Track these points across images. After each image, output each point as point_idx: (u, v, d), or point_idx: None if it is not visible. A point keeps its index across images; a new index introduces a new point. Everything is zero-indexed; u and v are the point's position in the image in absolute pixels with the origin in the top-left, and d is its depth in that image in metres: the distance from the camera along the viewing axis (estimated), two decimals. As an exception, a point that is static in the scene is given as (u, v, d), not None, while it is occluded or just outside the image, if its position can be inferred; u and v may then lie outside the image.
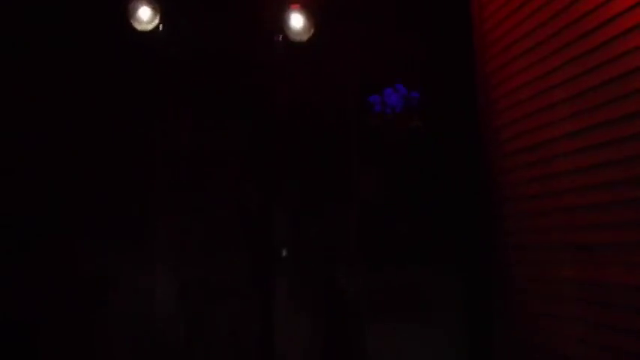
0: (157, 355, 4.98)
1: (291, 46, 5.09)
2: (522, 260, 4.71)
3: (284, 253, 5.38)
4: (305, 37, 5.00)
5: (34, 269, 4.92)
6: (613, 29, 3.59)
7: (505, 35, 4.87)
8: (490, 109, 5.15)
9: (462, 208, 5.34)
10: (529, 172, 4.58)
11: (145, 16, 4.88)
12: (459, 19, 5.44)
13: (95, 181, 5.09)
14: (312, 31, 5.00)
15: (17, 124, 5.00)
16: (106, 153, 5.06)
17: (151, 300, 5.04)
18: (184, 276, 5.18)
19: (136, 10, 4.88)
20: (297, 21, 4.99)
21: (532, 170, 4.53)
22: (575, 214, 4.00)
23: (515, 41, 4.73)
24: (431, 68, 5.58)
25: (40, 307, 4.93)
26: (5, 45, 4.93)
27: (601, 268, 3.72)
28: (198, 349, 5.11)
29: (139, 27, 4.91)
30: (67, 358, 4.91)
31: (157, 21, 4.88)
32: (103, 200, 5.17)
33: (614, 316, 3.62)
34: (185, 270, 5.19)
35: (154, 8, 4.84)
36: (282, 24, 5.02)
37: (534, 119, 4.50)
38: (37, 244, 4.95)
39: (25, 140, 5.06)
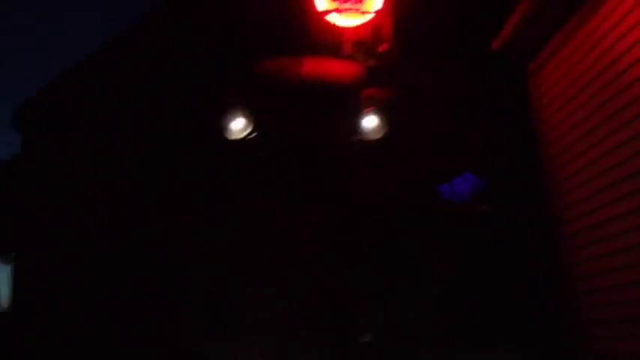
0: None
1: (366, 144, 5.65)
2: (590, 336, 4.90)
3: (368, 337, 5.75)
4: (379, 136, 5.56)
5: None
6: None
7: (562, 122, 5.27)
8: (555, 191, 5.50)
9: (532, 288, 5.60)
10: (594, 249, 4.87)
11: (238, 127, 5.55)
12: (520, 108, 5.87)
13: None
14: (385, 129, 5.56)
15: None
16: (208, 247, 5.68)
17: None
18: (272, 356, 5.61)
19: (228, 122, 5.56)
20: (370, 122, 5.58)
21: (596, 247, 4.82)
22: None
23: (571, 127, 5.13)
24: (496, 156, 6.02)
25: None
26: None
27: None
28: None
29: (231, 137, 5.58)
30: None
31: (249, 129, 5.54)
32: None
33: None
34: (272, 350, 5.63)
35: (247, 119, 5.52)
36: (358, 126, 5.61)
37: (596, 199, 4.83)
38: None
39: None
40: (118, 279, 5.87)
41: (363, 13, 5.39)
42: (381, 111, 5.57)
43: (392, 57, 5.73)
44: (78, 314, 5.76)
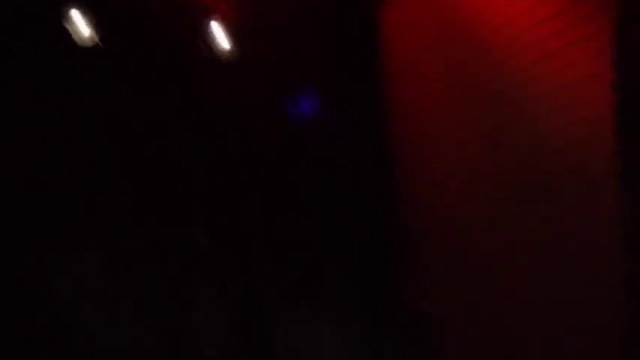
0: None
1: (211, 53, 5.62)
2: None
3: (202, 241, 5.95)
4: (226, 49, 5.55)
5: None
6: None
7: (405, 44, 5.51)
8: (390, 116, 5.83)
9: (362, 204, 6.00)
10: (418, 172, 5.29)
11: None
12: (363, 26, 6.04)
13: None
14: (233, 42, 5.55)
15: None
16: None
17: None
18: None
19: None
20: (218, 31, 5.55)
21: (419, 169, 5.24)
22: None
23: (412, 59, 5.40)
24: (340, 77, 6.20)
25: None
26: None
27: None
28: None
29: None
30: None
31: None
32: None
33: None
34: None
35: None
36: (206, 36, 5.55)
37: (424, 126, 5.20)
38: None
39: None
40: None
41: None
42: (228, 23, 5.54)
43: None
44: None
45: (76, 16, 5.33)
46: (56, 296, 5.56)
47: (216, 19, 5.60)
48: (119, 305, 5.68)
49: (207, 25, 5.62)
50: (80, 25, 5.35)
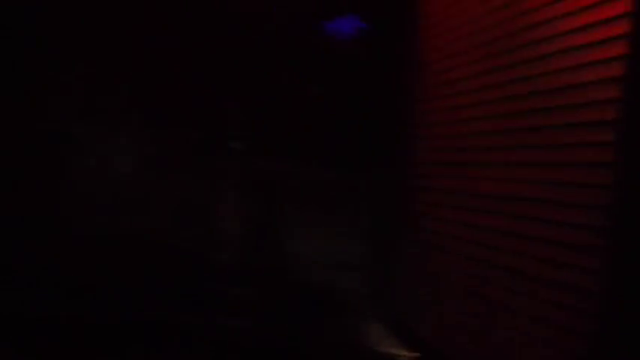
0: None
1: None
2: (428, 174, 5.78)
3: (236, 145, 6.40)
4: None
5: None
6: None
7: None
8: (422, 48, 6.08)
9: (381, 126, 6.36)
10: (439, 104, 5.59)
11: None
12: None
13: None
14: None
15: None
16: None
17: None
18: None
19: None
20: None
21: (441, 101, 5.53)
22: (467, 140, 5.04)
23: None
24: (381, 5, 6.44)
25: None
26: None
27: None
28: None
29: None
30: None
31: None
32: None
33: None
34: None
35: None
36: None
37: (448, 61, 5.45)
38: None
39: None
40: None
41: None
42: None
43: None
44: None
45: None
46: (93, 180, 6.12)
47: None
48: (150, 195, 6.22)
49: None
50: None
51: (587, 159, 3.47)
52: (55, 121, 6.08)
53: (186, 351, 4.90)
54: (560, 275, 3.59)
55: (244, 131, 6.39)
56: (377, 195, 6.38)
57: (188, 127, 6.31)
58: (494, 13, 4.75)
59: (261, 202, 6.40)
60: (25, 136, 6.01)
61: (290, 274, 6.31)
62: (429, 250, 5.47)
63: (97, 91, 6.17)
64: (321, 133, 6.38)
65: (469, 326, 4.65)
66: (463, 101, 5.13)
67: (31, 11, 5.92)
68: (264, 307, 5.98)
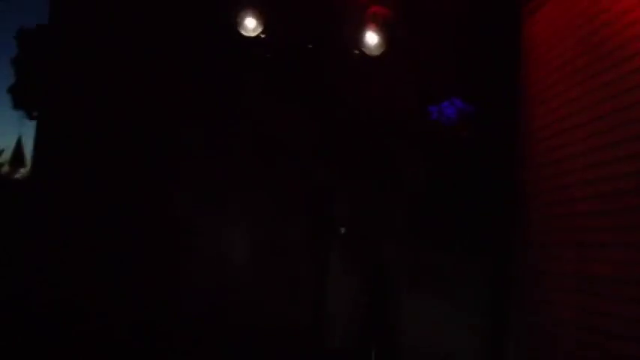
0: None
1: (364, 58, 6.11)
2: (537, 256, 5.58)
3: (342, 230, 6.49)
4: (377, 53, 6.01)
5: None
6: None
7: (550, 59, 5.67)
8: (528, 127, 6.01)
9: (495, 207, 6.24)
10: (549, 183, 5.44)
11: (251, 25, 6.01)
12: (512, 45, 6.26)
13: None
14: (384, 48, 6.00)
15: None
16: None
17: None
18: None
19: (242, 19, 6.02)
20: (371, 39, 6.01)
21: (551, 180, 5.39)
22: (580, 219, 4.85)
23: (557, 67, 5.53)
24: (484, 87, 6.47)
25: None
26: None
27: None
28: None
29: (246, 33, 6.05)
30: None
31: (259, 29, 6.00)
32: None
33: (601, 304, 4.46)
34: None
35: (257, 18, 5.97)
36: (360, 41, 6.04)
37: (562, 137, 5.34)
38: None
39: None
40: (136, 153, 6.54)
41: None
42: (382, 29, 5.98)
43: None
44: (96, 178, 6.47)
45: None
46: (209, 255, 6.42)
47: (369, 20, 6.04)
48: (263, 281, 6.41)
49: (361, 25, 6.07)
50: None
51: None
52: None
53: None
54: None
55: (352, 215, 6.50)
56: (495, 280, 6.20)
57: (300, 214, 6.52)
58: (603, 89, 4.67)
59: (375, 286, 6.42)
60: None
61: (404, 358, 6.21)
62: (546, 337, 5.21)
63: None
64: (426, 215, 6.37)
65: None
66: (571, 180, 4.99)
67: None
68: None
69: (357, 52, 6.06)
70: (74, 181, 6.44)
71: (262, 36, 6.04)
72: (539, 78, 5.88)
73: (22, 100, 7.73)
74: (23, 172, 11.57)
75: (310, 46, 6.21)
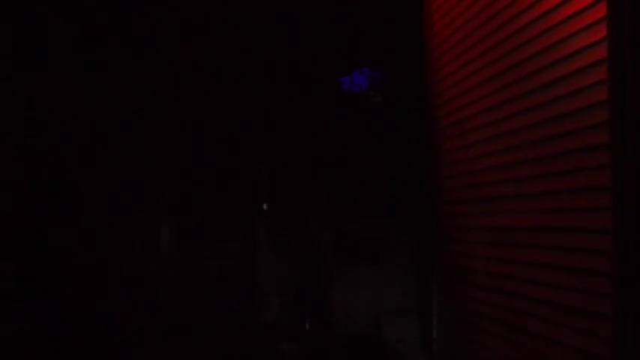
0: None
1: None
2: (452, 213, 5.80)
3: (265, 206, 6.56)
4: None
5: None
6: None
7: (449, 29, 5.83)
8: (435, 88, 6.18)
9: (410, 171, 6.42)
10: (456, 155, 5.64)
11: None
12: (415, 12, 6.40)
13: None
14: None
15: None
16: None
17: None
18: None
19: None
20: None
21: (458, 154, 5.59)
22: (485, 174, 5.06)
23: (456, 39, 5.69)
24: (391, 53, 6.61)
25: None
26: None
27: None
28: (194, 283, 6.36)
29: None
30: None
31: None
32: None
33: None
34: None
35: None
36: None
37: (462, 98, 5.53)
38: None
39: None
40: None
41: None
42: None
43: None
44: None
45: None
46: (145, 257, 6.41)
47: None
48: (193, 266, 6.44)
49: None
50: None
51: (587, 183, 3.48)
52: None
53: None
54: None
55: (273, 192, 6.58)
56: (416, 240, 6.41)
57: (222, 196, 6.55)
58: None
59: (303, 259, 6.53)
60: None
61: (338, 326, 6.36)
62: (467, 287, 5.45)
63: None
64: (346, 184, 6.50)
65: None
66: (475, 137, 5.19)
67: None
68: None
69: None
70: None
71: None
72: (440, 42, 6.04)
73: None
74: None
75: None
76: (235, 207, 6.50)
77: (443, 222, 5.96)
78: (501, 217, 4.75)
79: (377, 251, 6.36)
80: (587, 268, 3.51)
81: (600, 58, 3.39)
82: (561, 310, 3.87)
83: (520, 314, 4.44)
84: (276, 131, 6.52)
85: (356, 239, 6.42)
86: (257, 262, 6.48)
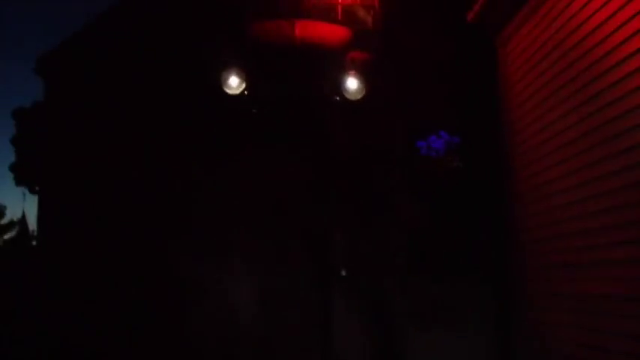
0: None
1: (347, 102, 6.27)
2: (535, 278, 5.63)
3: (343, 272, 6.58)
4: (358, 97, 6.17)
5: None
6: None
7: (525, 89, 5.81)
8: (514, 150, 6.11)
9: (491, 234, 6.32)
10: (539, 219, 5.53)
11: (234, 83, 6.20)
12: (490, 76, 6.42)
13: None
14: (365, 91, 6.15)
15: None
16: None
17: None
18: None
19: (226, 78, 6.21)
20: (352, 84, 6.17)
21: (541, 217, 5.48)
22: (570, 240, 4.92)
23: (530, 95, 5.67)
24: (468, 118, 6.63)
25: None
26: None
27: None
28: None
29: (230, 91, 6.23)
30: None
31: (243, 86, 6.18)
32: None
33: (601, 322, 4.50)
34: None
35: (240, 77, 6.16)
36: (341, 87, 6.20)
37: (543, 161, 5.44)
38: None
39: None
40: (133, 213, 6.74)
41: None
42: (362, 74, 6.15)
43: (377, 22, 6.29)
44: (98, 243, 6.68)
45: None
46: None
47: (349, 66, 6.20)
48: (272, 327, 6.48)
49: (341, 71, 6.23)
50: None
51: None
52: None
53: None
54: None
55: (352, 256, 6.60)
56: (496, 304, 6.24)
57: (302, 259, 6.61)
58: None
59: (380, 324, 6.47)
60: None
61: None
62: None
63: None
64: (424, 245, 6.46)
65: None
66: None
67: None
68: None
69: (337, 98, 6.20)
70: (77, 246, 6.67)
71: (245, 93, 6.21)
72: (514, 107, 6.02)
73: (23, 176, 7.98)
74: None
75: (292, 97, 6.37)
76: (315, 269, 6.54)
77: (522, 287, 5.79)
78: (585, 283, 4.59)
79: (454, 315, 6.23)
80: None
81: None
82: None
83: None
84: (355, 193, 6.59)
85: (433, 302, 6.32)
86: (333, 324, 6.46)
